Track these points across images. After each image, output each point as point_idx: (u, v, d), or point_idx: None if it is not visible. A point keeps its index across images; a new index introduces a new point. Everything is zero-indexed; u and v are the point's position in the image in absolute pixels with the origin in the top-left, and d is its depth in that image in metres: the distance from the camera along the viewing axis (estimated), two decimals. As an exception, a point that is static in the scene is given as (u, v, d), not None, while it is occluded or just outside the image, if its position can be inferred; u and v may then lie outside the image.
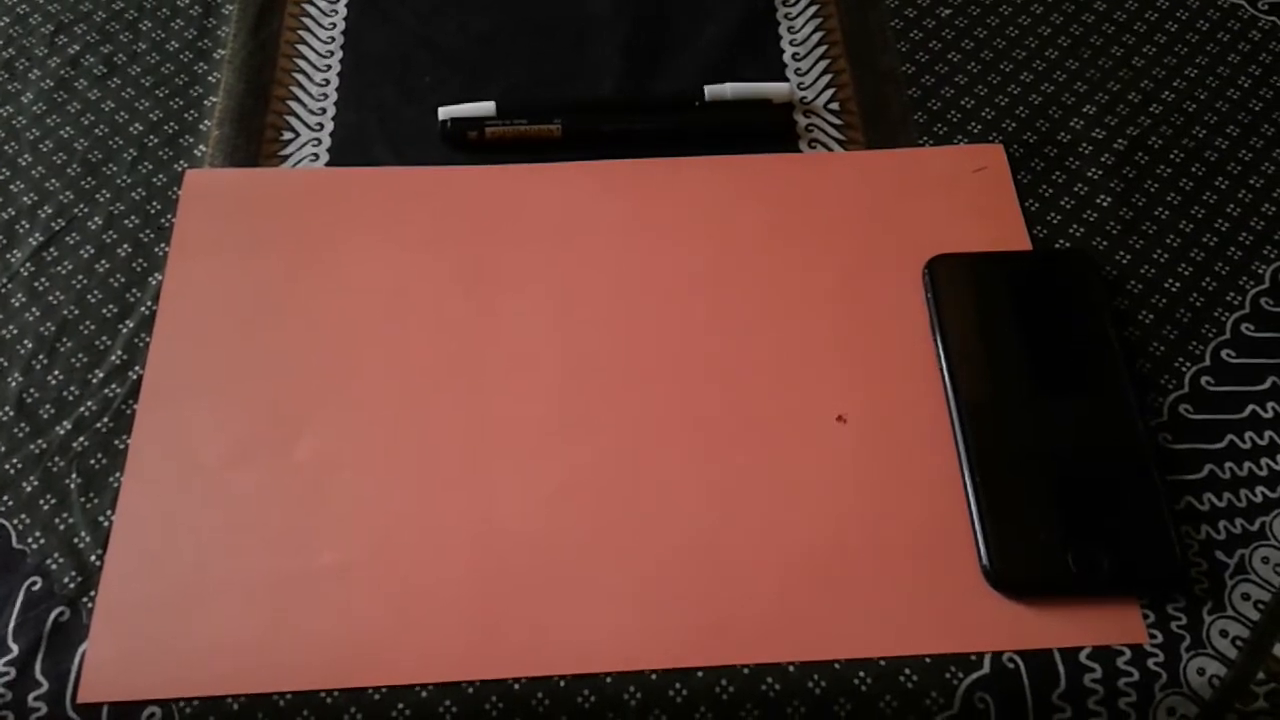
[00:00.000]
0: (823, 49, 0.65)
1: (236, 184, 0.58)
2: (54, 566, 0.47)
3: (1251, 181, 0.60)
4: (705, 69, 0.63)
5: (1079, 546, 0.47)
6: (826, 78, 0.64)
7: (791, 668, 0.45)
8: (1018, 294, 0.54)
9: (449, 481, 0.49)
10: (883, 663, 0.46)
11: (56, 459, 0.50)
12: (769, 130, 0.61)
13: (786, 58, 0.65)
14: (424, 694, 0.45)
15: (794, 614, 0.46)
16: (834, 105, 0.63)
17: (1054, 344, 0.53)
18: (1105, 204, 0.59)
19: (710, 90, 0.61)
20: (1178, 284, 0.56)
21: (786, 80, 0.63)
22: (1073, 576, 0.46)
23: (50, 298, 0.55)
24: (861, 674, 0.45)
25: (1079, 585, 0.46)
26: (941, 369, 0.52)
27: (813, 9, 0.67)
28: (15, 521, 0.48)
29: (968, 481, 0.49)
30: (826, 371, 0.53)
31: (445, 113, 0.60)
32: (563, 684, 0.45)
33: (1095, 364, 0.52)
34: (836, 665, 0.46)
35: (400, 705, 0.44)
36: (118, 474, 0.49)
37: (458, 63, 0.63)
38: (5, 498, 0.49)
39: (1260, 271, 0.57)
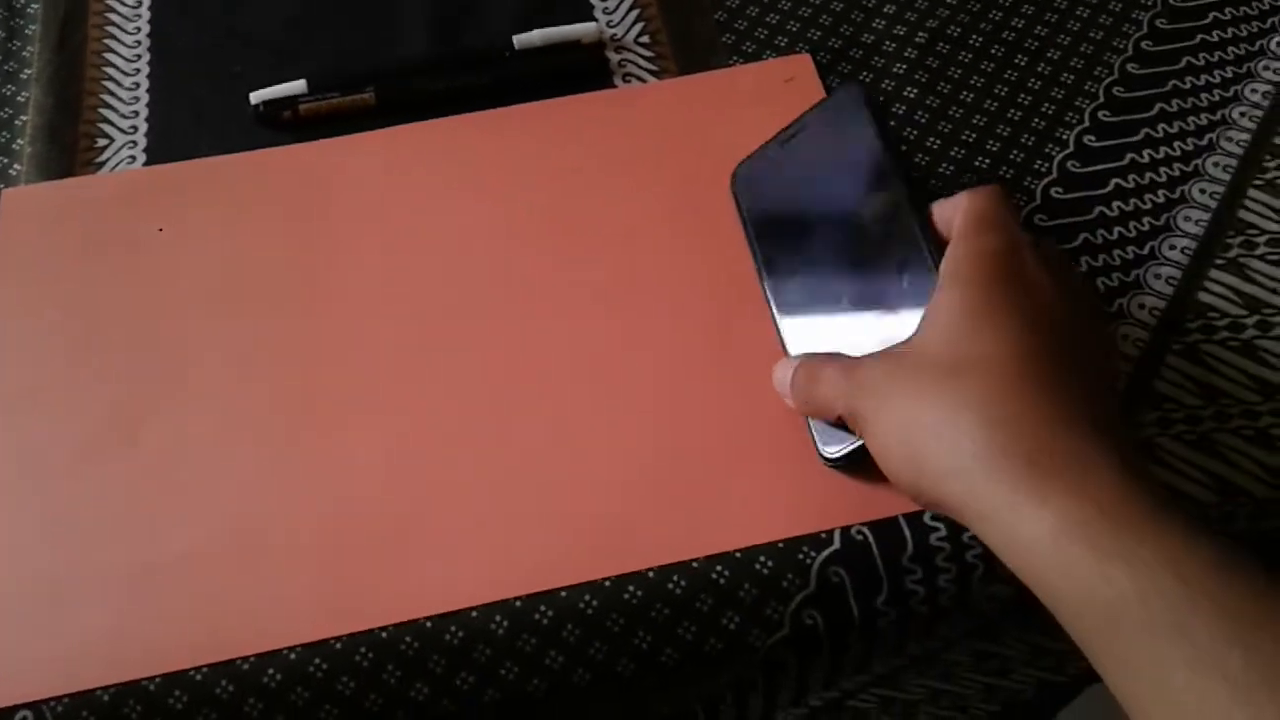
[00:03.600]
0: (628, -14, 0.66)
1: (54, 196, 0.57)
2: (-92, 593, 0.47)
3: (1049, 55, 0.62)
4: (514, 20, 0.64)
5: None
6: (634, 13, 0.65)
7: (651, 573, 0.47)
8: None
9: (292, 452, 0.49)
10: (738, 554, 0.47)
11: (-101, 489, 0.49)
12: (582, 71, 0.62)
13: (593, -1, 0.66)
14: (293, 656, 0.45)
15: (646, 522, 0.47)
16: (644, 39, 0.64)
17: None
18: (912, 95, 0.61)
19: (519, 39, 0.62)
20: (988, 160, 0.58)
21: (594, 20, 0.64)
22: None
23: (-123, 334, 0.54)
24: (719, 568, 0.47)
25: None
26: (757, 262, 0.53)
27: (614, -51, 0.67)
28: None
29: None
30: (655, 292, 0.54)
31: (257, 96, 0.60)
32: (429, 624, 0.46)
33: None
34: (694, 564, 0.47)
35: (270, 670, 0.45)
36: (-37, 494, 0.49)
37: (268, 46, 0.63)
38: None
39: (1064, 137, 0.59)
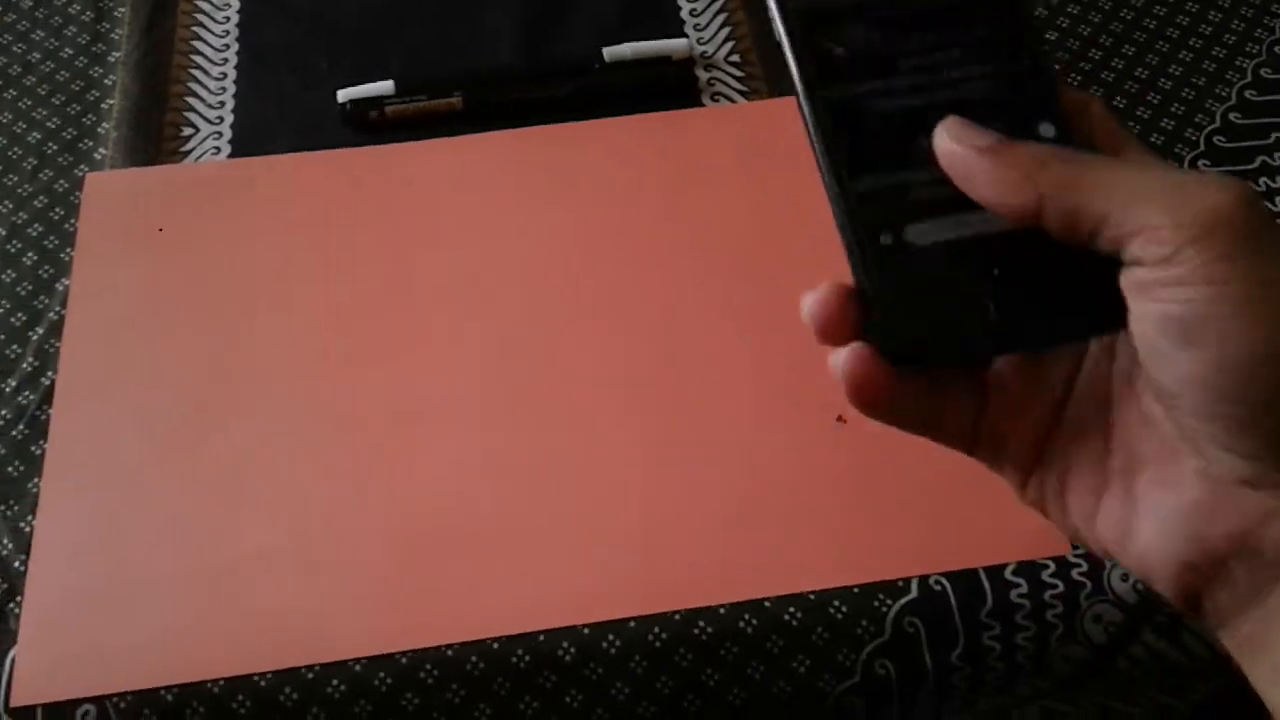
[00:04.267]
0: (720, 2, 0.65)
1: (137, 183, 0.57)
2: (-23, 576, 0.47)
3: (1150, 98, 0.61)
4: (604, 31, 0.63)
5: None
6: (725, 31, 0.64)
7: (722, 610, 0.46)
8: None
9: (370, 458, 0.49)
10: (812, 596, 0.46)
11: (-27, 470, 0.50)
12: (671, 87, 0.62)
13: (684, 14, 0.65)
14: (358, 668, 0.45)
15: (721, 557, 0.47)
16: (734, 58, 0.63)
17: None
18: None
19: (609, 52, 0.61)
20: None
21: (685, 36, 0.63)
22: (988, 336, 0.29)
23: (-43, 312, 0.54)
24: (792, 609, 0.46)
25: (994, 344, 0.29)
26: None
27: (708, -35, 0.67)
28: (-65, 536, 0.48)
29: None
30: (745, 315, 0.53)
31: (345, 95, 0.60)
32: (496, 646, 0.45)
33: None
34: (766, 604, 0.46)
35: (335, 681, 0.44)
36: (36, 479, 0.49)
37: (355, 44, 0.63)
38: (-76, 514, 0.49)
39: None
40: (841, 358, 0.29)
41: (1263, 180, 0.58)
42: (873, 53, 0.30)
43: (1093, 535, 0.29)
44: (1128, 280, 0.26)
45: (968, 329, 0.29)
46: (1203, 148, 0.59)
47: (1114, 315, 0.27)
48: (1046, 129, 0.29)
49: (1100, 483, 0.28)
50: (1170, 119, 0.61)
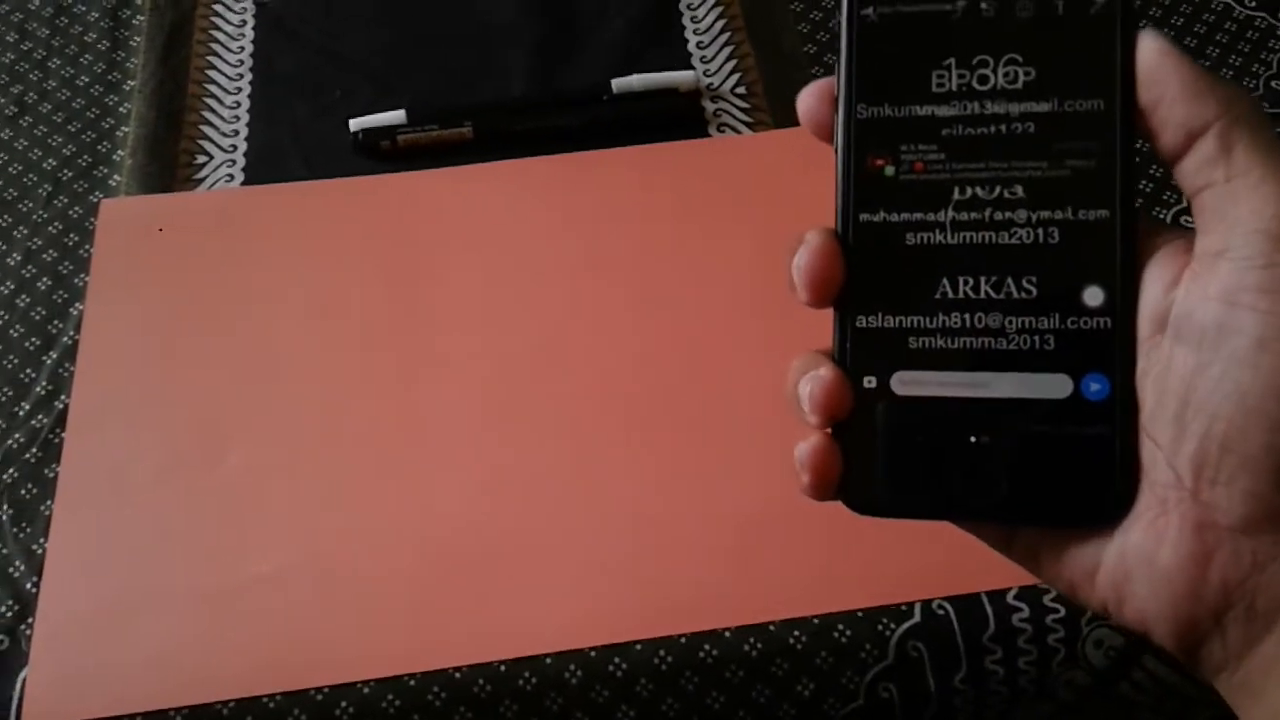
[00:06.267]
0: (726, 35, 0.66)
1: (151, 210, 0.58)
2: (-10, 598, 0.47)
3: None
4: (612, 63, 0.64)
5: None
6: (731, 63, 0.65)
7: (727, 633, 0.46)
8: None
9: (379, 481, 0.50)
10: (816, 620, 0.46)
11: (-13, 492, 0.50)
12: (678, 118, 0.63)
13: (691, 46, 0.66)
14: (366, 690, 0.45)
15: (726, 581, 0.47)
16: (740, 89, 0.64)
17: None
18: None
19: (617, 83, 0.62)
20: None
21: (692, 69, 0.64)
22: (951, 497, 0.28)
23: (-28, 335, 0.55)
24: (796, 633, 0.46)
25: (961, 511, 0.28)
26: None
27: (714, -3, 0.68)
28: (-51, 557, 0.49)
29: None
30: (749, 343, 0.54)
31: (357, 124, 0.61)
32: (503, 668, 0.46)
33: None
34: (771, 627, 0.46)
35: (343, 703, 0.45)
36: (49, 502, 0.49)
37: (367, 74, 0.64)
38: (-63, 535, 0.49)
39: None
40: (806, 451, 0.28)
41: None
42: (926, 177, 0.27)
43: (1091, 592, 0.27)
44: (1202, 284, 0.25)
45: (936, 491, 0.27)
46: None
47: (1098, 511, 0.26)
48: (1093, 295, 0.26)
49: (1100, 539, 0.27)
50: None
